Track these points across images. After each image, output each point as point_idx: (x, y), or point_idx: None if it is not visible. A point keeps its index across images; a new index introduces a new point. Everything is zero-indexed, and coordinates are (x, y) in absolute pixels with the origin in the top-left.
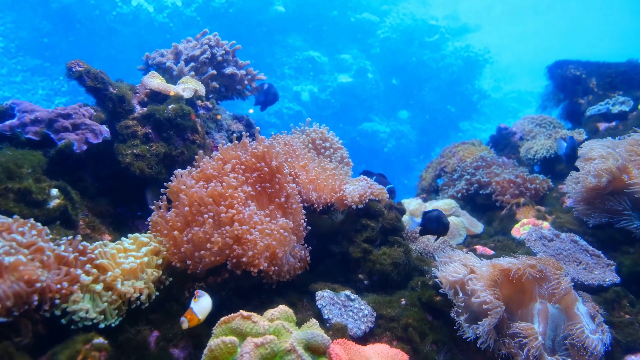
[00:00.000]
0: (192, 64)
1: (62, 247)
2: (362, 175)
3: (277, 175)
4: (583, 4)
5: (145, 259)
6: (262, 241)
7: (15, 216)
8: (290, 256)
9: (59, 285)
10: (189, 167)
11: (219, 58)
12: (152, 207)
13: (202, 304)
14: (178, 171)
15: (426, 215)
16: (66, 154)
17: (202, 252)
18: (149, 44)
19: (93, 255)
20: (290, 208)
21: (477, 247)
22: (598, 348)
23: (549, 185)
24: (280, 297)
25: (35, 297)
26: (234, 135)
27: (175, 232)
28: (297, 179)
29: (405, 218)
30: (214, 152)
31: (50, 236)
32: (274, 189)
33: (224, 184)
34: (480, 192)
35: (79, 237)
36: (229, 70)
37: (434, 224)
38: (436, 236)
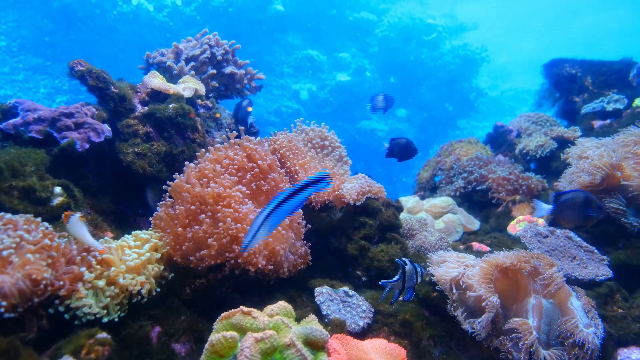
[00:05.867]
0: (192, 63)
1: (67, 245)
2: (360, 174)
3: (270, 174)
4: (580, 3)
5: (148, 254)
6: None
7: (28, 216)
8: (290, 253)
9: (62, 282)
10: (192, 163)
11: (219, 57)
12: (153, 205)
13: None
14: (188, 166)
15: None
16: (69, 153)
17: (204, 252)
18: (149, 43)
19: (96, 252)
20: None
21: (474, 243)
22: (590, 340)
23: (544, 185)
24: (279, 293)
25: (40, 294)
26: (233, 133)
27: (179, 229)
28: (296, 176)
29: (402, 215)
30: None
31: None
32: (269, 187)
33: (215, 184)
34: (477, 188)
35: None
36: (228, 69)
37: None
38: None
